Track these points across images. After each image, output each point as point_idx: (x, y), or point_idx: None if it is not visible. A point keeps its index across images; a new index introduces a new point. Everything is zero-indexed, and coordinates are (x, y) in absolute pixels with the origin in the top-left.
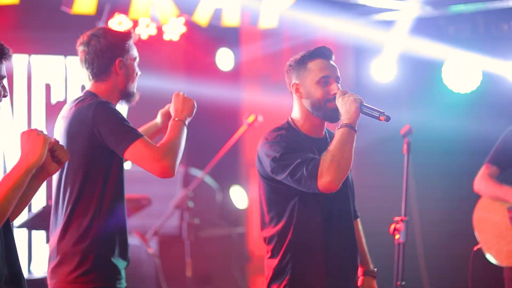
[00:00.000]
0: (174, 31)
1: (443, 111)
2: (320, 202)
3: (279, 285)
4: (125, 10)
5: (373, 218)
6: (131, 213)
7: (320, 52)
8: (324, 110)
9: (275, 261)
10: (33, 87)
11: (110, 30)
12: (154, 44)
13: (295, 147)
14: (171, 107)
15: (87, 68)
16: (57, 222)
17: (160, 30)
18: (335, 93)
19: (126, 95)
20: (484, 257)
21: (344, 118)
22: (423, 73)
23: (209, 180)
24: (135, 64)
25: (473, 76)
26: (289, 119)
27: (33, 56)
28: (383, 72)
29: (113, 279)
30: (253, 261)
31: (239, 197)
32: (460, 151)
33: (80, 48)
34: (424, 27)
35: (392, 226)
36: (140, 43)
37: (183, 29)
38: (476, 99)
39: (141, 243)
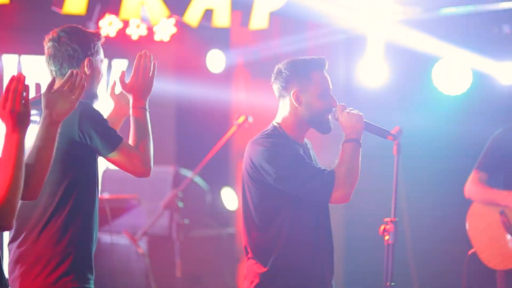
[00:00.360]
0: (164, 31)
1: (433, 113)
2: (313, 209)
3: None
4: (115, 11)
5: (363, 219)
6: (121, 213)
7: (322, 64)
8: (322, 121)
9: (264, 268)
10: None
11: (81, 29)
12: (145, 44)
13: (300, 156)
14: (130, 82)
15: (54, 65)
16: (27, 223)
17: (150, 30)
18: (334, 106)
19: (91, 96)
20: (477, 261)
21: (349, 132)
22: (413, 76)
23: (199, 180)
24: (102, 66)
25: (464, 78)
26: (276, 125)
27: (23, 56)
28: (372, 75)
29: (89, 278)
30: (242, 261)
31: (230, 198)
32: (450, 153)
33: (48, 44)
34: (415, 29)
35: (382, 227)
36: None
37: (174, 29)
38: (466, 101)
39: (131, 243)
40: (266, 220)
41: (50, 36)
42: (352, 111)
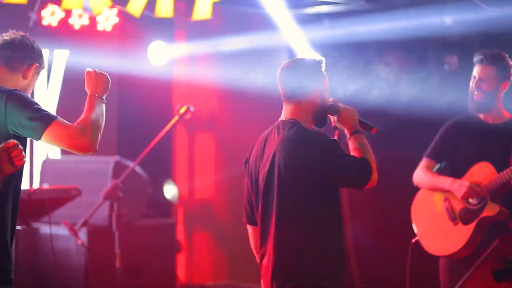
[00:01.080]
0: (107, 21)
1: (374, 101)
2: (339, 202)
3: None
4: (57, 0)
5: None
6: (60, 203)
7: (323, 63)
8: (325, 116)
9: (305, 263)
10: None
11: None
12: (87, 34)
13: None
14: (86, 85)
15: (4, 51)
16: None
17: (93, 20)
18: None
19: None
20: (420, 249)
21: (353, 125)
22: (356, 65)
23: (139, 171)
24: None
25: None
26: (294, 121)
27: None
28: None
29: (10, 270)
30: (182, 251)
31: (171, 191)
32: (390, 144)
33: (14, 35)
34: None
35: None
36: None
37: (116, 19)
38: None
39: (70, 234)
40: (308, 214)
41: (21, 32)
42: (347, 106)
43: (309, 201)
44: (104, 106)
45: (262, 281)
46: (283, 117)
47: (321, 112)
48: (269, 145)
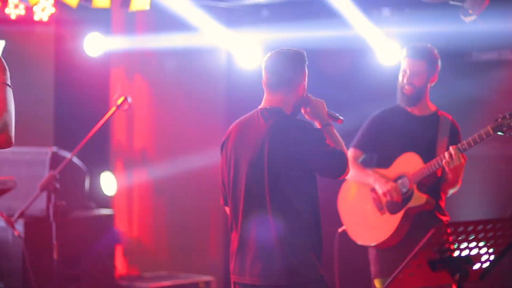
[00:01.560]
0: (43, 12)
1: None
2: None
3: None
4: None
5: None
6: None
7: None
8: (300, 108)
9: (307, 241)
10: None
11: None
12: (23, 24)
13: None
14: None
15: None
16: None
17: (29, 10)
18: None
19: None
20: (347, 239)
21: (324, 117)
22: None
23: (77, 161)
24: None
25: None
26: (281, 110)
27: None
28: (250, 59)
29: None
30: (121, 242)
31: (109, 183)
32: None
33: None
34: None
35: None
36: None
37: (53, 9)
38: (344, 81)
39: (7, 225)
40: (305, 196)
41: None
42: (317, 99)
43: (300, 184)
44: (10, 90)
45: (233, 264)
46: (266, 104)
47: (299, 104)
48: (254, 132)
